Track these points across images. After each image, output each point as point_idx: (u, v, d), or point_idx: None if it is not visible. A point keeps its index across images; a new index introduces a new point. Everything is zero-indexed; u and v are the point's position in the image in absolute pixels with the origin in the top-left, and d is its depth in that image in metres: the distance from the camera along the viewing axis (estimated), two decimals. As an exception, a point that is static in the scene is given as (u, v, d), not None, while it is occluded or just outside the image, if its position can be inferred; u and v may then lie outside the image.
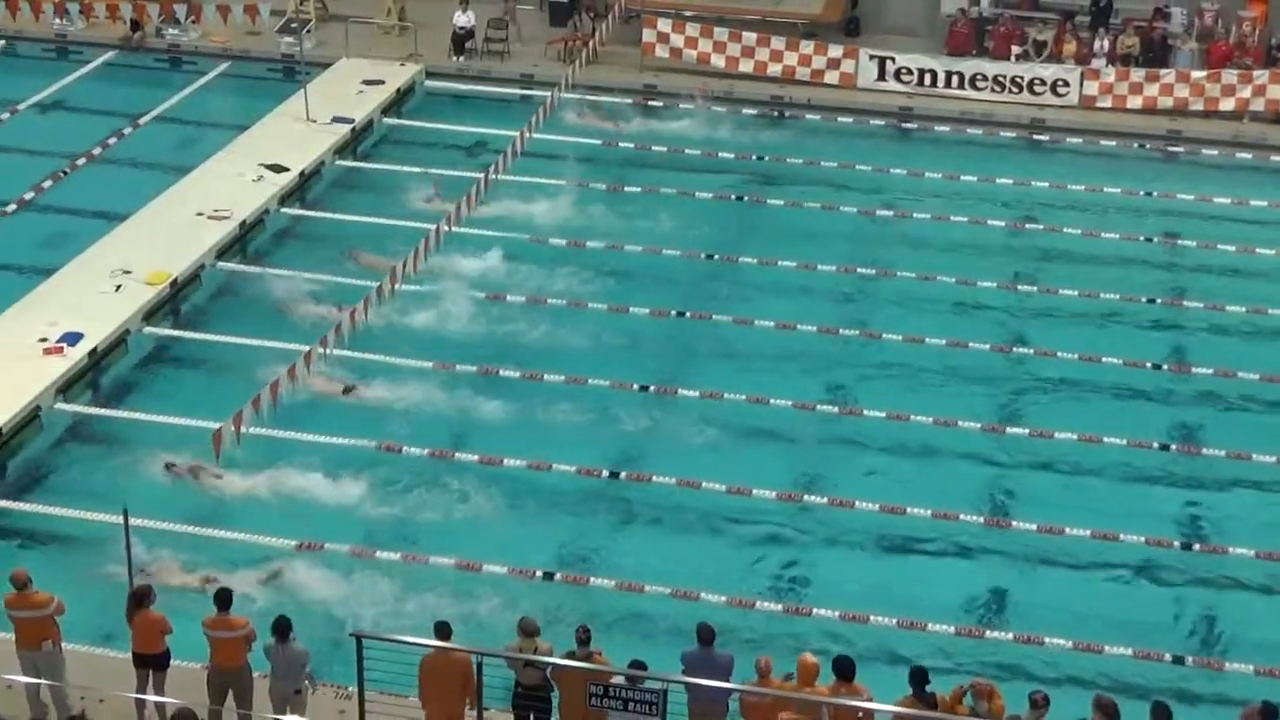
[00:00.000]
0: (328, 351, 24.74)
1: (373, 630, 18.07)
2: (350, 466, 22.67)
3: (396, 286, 26.61)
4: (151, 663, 17.44)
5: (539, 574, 20.73)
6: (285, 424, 23.55)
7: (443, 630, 16.91)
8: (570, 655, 16.86)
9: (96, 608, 19.11)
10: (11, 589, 17.37)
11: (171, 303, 27.00)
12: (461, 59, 37.33)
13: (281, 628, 16.96)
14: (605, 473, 22.94)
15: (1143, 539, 21.71)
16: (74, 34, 38.31)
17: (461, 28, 37.30)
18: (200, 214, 29.28)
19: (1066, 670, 19.41)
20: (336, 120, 33.57)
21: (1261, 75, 35.02)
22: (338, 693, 18.04)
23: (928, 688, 16.32)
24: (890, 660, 19.20)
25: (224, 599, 17.20)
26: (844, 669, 16.39)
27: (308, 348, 24.42)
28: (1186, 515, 22.70)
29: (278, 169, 31.23)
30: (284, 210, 30.41)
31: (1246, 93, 34.97)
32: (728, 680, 16.75)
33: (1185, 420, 24.84)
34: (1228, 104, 35.08)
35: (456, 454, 23.23)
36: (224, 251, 28.59)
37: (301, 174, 31.42)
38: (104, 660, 18.38)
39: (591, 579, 20.75)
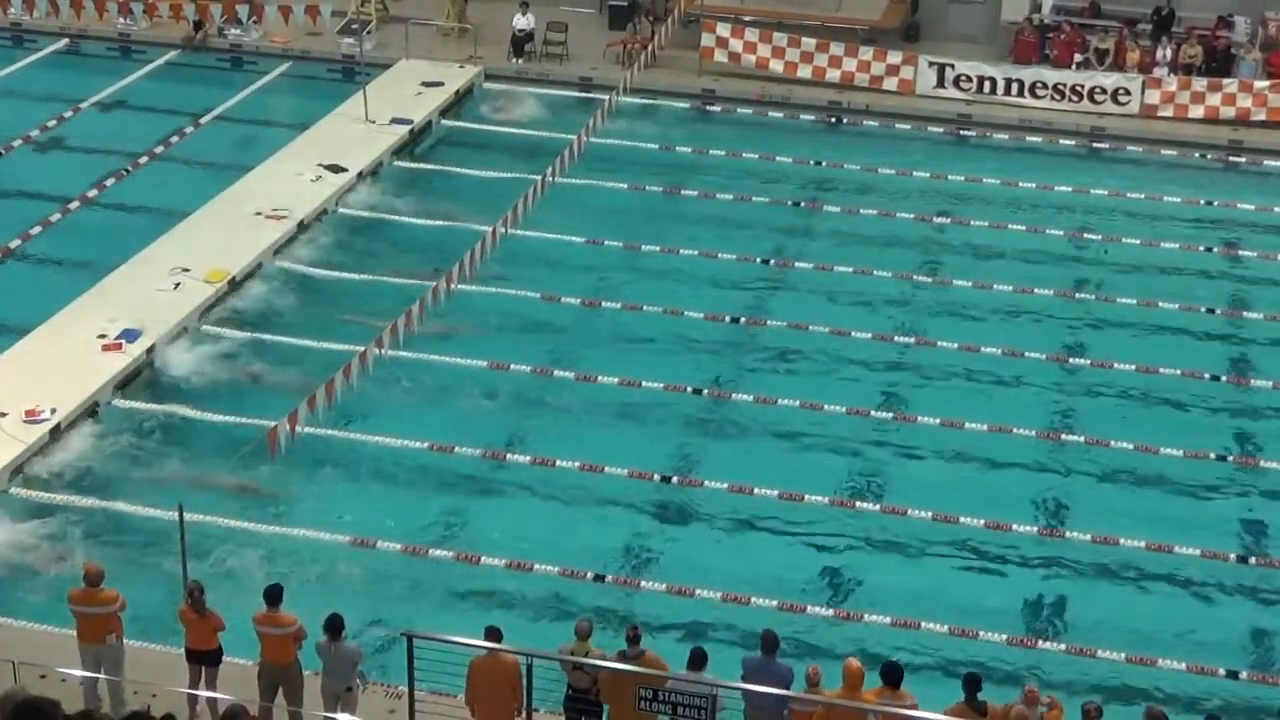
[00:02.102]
0: (383, 352, 24.81)
1: (424, 630, 18.16)
2: (402, 466, 22.73)
3: (453, 287, 26.67)
4: (204, 659, 17.55)
5: (590, 575, 20.75)
6: (340, 423, 23.72)
7: (493, 634, 16.93)
8: (620, 655, 16.89)
9: (151, 603, 19.25)
10: (82, 584, 17.51)
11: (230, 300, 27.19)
12: (521, 61, 37.41)
13: (334, 626, 17.02)
14: (657, 477, 22.94)
15: (1198, 551, 21.55)
16: (137, 33, 38.60)
17: (521, 30, 37.40)
18: (259, 213, 29.46)
19: (1119, 682, 19.28)
20: (395, 121, 33.71)
21: (1325, 86, 34.72)
22: (388, 692, 18.10)
23: (980, 695, 16.29)
24: (941, 668, 19.12)
25: (274, 595, 17.27)
26: (892, 675, 16.33)
27: (363, 348, 24.50)
28: (1243, 528, 22.51)
29: (336, 169, 31.37)
30: (341, 210, 30.55)
31: (1310, 103, 34.67)
32: (780, 702, 16.72)
33: (1243, 432, 24.64)
34: (1291, 114, 34.80)
35: (509, 455, 23.29)
36: (280, 249, 28.74)
37: (360, 174, 31.55)
38: (157, 655, 18.48)
39: (643, 582, 20.75)
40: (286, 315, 27.15)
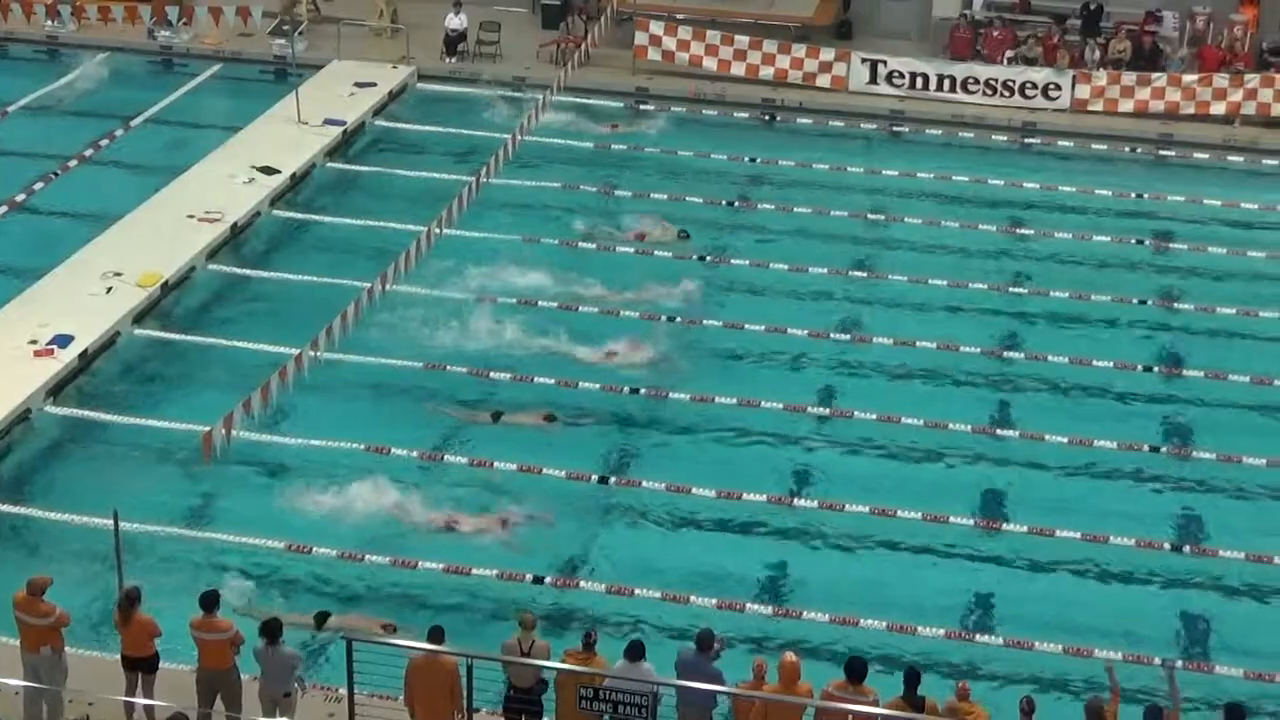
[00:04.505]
0: (319, 354, 24.71)
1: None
2: (339, 469, 22.64)
3: (387, 288, 26.58)
4: (141, 665, 17.42)
5: (529, 578, 20.71)
6: (273, 427, 23.60)
7: (434, 634, 16.92)
8: (571, 655, 16.89)
9: (86, 610, 19.09)
10: (24, 590, 17.36)
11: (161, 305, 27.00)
12: (454, 60, 37.33)
13: (271, 630, 16.94)
14: (595, 477, 22.92)
15: (1133, 542, 21.72)
16: (65, 36, 38.25)
17: (453, 30, 37.31)
18: (191, 216, 29.24)
19: (1058, 674, 19.40)
20: (328, 122, 33.55)
21: (1253, 79, 35.07)
22: (328, 695, 18.02)
23: (919, 690, 16.41)
24: (881, 664, 19.17)
25: (210, 601, 17.17)
26: (855, 670, 16.48)
27: (298, 350, 24.39)
28: (1177, 518, 22.70)
29: (269, 171, 31.20)
30: (275, 212, 30.39)
31: (1238, 96, 35.02)
32: (710, 699, 16.78)
33: (1176, 422, 24.86)
34: (1219, 108, 35.15)
35: (446, 457, 23.22)
36: (214, 253, 28.55)
37: (293, 176, 31.38)
38: (94, 663, 18.31)
39: (582, 582, 20.73)
40: (221, 318, 26.99)
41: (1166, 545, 21.90)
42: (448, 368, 25.19)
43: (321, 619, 19.53)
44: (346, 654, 16.62)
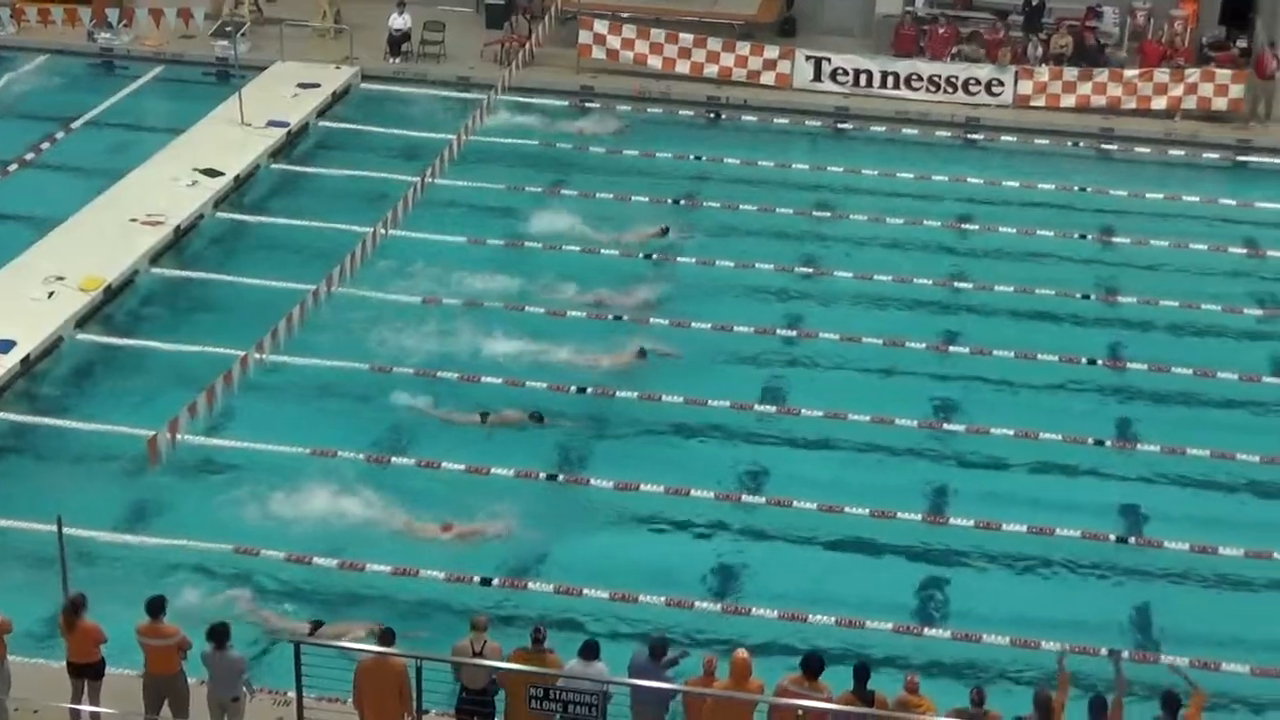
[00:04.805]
0: (264, 357, 24.61)
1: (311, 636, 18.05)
2: (286, 471, 22.55)
3: (333, 290, 26.49)
4: (87, 672, 17.30)
5: (477, 579, 20.67)
6: (219, 431, 23.49)
7: (384, 636, 16.88)
8: (521, 653, 16.88)
9: (30, 617, 18.94)
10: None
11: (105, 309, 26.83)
12: (398, 61, 37.23)
13: (218, 634, 16.85)
14: (543, 475, 22.90)
15: (1079, 533, 21.87)
16: (4, 39, 37.95)
17: (397, 30, 37.22)
18: (134, 219, 29.06)
19: (1005, 666, 19.52)
20: (272, 124, 33.40)
21: (1193, 73, 35.37)
22: (276, 699, 17.93)
23: (868, 685, 16.48)
24: (830, 658, 19.18)
25: (156, 606, 17.07)
26: (810, 666, 16.55)
27: (244, 353, 24.28)
28: (1122, 510, 22.86)
29: (213, 173, 31.03)
30: (219, 215, 30.24)
31: (1178, 91, 35.32)
32: (662, 705, 16.85)
33: (1120, 415, 25.03)
34: (1160, 102, 35.44)
35: (393, 459, 23.15)
36: (158, 257, 28.39)
37: (236, 178, 31.22)
38: (39, 670, 18.17)
39: (530, 583, 20.69)
40: (164, 322, 26.83)
41: (1112, 537, 22.04)
42: (394, 370, 25.12)
43: (315, 626, 19.28)
44: (294, 657, 16.56)
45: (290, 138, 33.45)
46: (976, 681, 17.54)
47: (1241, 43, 36.48)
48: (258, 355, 24.41)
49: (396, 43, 37.27)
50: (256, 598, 20.04)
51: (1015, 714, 16.45)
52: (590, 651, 16.73)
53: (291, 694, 17.06)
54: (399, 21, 37.20)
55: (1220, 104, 35.31)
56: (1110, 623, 20.54)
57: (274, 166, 32.50)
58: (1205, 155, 34.65)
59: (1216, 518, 22.58)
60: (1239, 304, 28.34)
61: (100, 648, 17.24)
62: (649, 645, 17.08)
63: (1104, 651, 19.44)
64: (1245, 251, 30.47)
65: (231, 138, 32.74)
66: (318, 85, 35.58)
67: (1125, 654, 19.35)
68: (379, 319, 26.52)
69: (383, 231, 28.35)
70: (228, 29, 36.81)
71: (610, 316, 27.06)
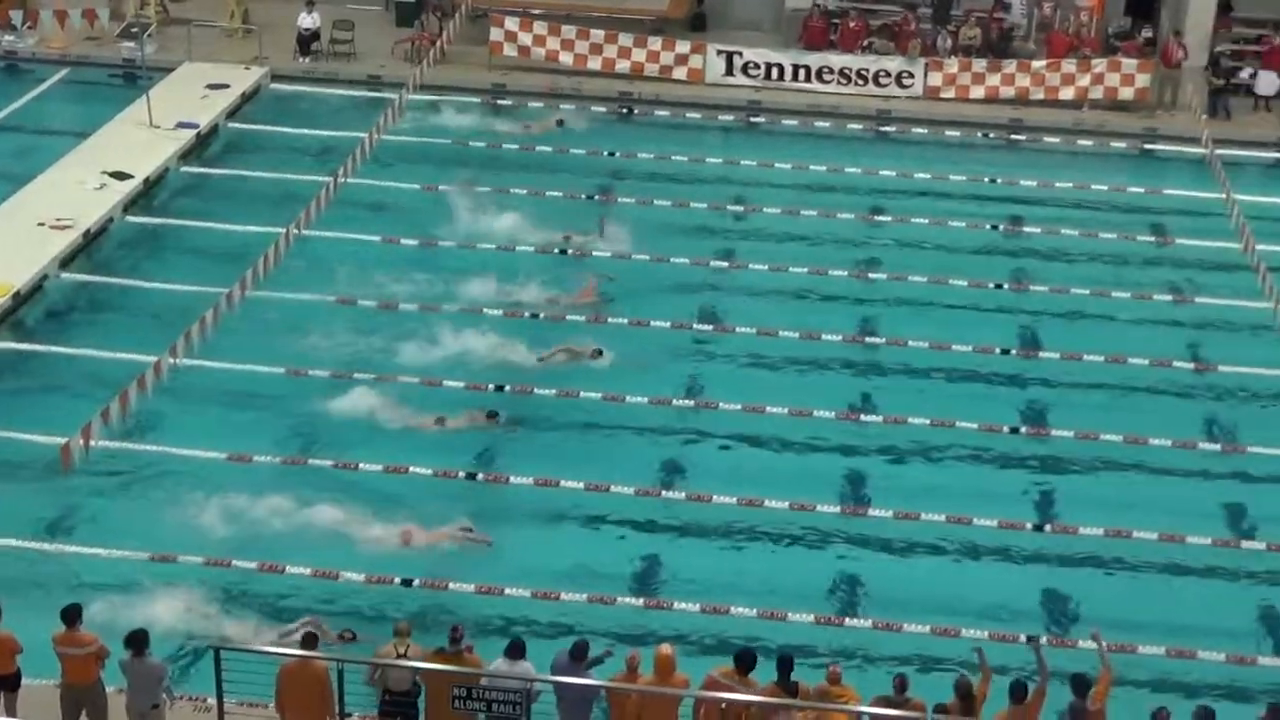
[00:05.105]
0: (178, 361, 24.40)
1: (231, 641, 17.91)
2: (202, 476, 22.37)
3: (246, 293, 26.29)
4: (2, 684, 17.09)
5: (398, 580, 20.58)
6: (133, 436, 23.28)
7: (308, 641, 16.79)
8: (439, 653, 16.84)
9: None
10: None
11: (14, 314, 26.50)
12: (307, 60, 37.00)
13: (136, 642, 16.68)
14: (462, 474, 22.83)
15: (995, 522, 22.05)
16: (-94, 43, 37.50)
17: (306, 29, 36.98)
18: (42, 224, 28.71)
19: (926, 655, 19.65)
20: (181, 125, 33.10)
21: (1099, 64, 35.76)
22: (197, 706, 17.78)
23: (792, 676, 16.58)
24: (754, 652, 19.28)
25: (72, 614, 16.88)
26: (742, 662, 16.62)
27: (157, 357, 24.05)
28: (1038, 496, 23.09)
29: (122, 176, 30.72)
30: (129, 218, 29.94)
31: (1085, 81, 35.71)
32: (586, 704, 16.85)
33: (1034, 403, 25.28)
34: (1068, 93, 35.83)
35: (311, 461, 23.01)
36: (67, 261, 28.07)
37: (146, 181, 30.93)
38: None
39: (451, 583, 20.62)
40: (76, 327, 26.55)
41: (1028, 524, 22.26)
42: (309, 372, 24.95)
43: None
44: (215, 663, 16.44)
45: (200, 139, 33.15)
46: (898, 670, 17.63)
47: (1146, 32, 36.91)
48: (171, 359, 24.20)
49: (306, 42, 37.03)
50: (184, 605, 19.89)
51: (937, 701, 16.58)
52: (516, 650, 16.71)
53: (212, 700, 16.93)
54: (308, 21, 36.97)
55: (1127, 93, 35.72)
56: (1028, 608, 20.76)
57: (184, 169, 32.20)
58: (1113, 144, 35.06)
59: (1130, 502, 22.83)
60: (1149, 290, 28.67)
61: (15, 658, 17.05)
62: (572, 647, 17.06)
63: (1023, 638, 19.62)
64: (1154, 239, 30.84)
65: (140, 140, 32.42)
66: (227, 86, 35.28)
67: (1044, 640, 19.54)
68: (293, 321, 26.33)
69: (296, 232, 28.16)
70: (134, 30, 36.44)
71: (527, 314, 27.01)
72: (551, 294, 27.62)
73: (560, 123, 30.28)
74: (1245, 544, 22.00)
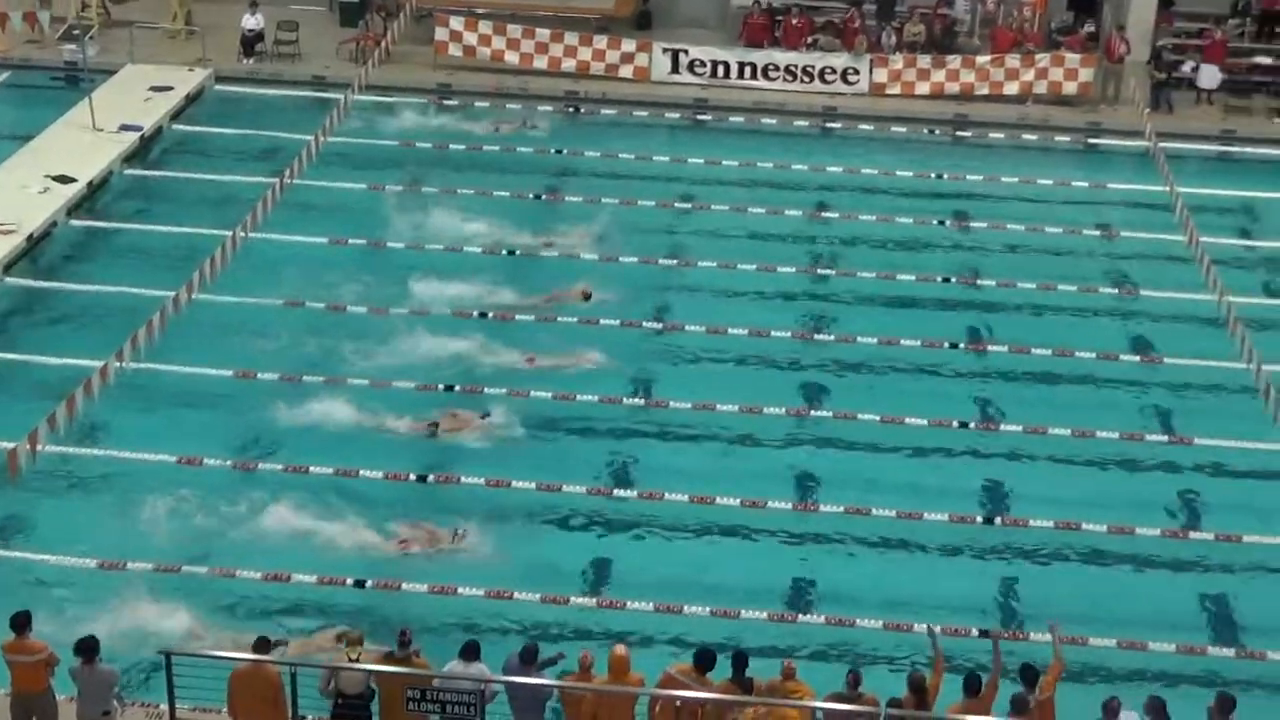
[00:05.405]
0: (125, 365, 24.24)
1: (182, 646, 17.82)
2: (151, 480, 22.23)
3: (193, 296, 26.14)
4: (-49, 693, 17.00)
5: (350, 581, 20.51)
6: (80, 441, 23.11)
7: (260, 645, 16.72)
8: (389, 656, 16.78)
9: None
10: None
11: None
12: (252, 62, 36.82)
13: (86, 649, 16.56)
14: (413, 476, 22.76)
15: (946, 516, 22.16)
16: None
17: (250, 30, 36.79)
18: (-16, 228, 28.57)
19: (877, 650, 19.74)
20: (124, 128, 32.87)
21: (1043, 58, 35.96)
22: (148, 712, 17.68)
23: (746, 672, 16.62)
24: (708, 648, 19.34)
25: (20, 622, 16.75)
26: (703, 660, 16.63)
27: (104, 362, 23.89)
28: (988, 490, 23.20)
29: (65, 180, 30.48)
30: (73, 222, 29.73)
31: (1029, 76, 35.90)
32: (539, 703, 16.85)
33: (983, 397, 25.40)
34: (1012, 87, 36.01)
35: (260, 464, 22.90)
36: (10, 266, 27.84)
37: (90, 184, 30.71)
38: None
39: (404, 584, 20.56)
40: (20, 332, 26.34)
41: (979, 518, 22.37)
42: (258, 375, 24.83)
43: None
44: (166, 668, 16.35)
45: (144, 142, 32.95)
46: (853, 665, 17.69)
47: (1089, 27, 37.14)
48: (118, 364, 24.03)
49: (250, 43, 36.84)
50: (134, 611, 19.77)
51: (891, 695, 16.63)
52: (470, 652, 16.69)
53: (164, 706, 16.84)
54: (252, 21, 36.78)
55: (1070, 88, 35.93)
56: (980, 602, 20.86)
57: (128, 171, 32.00)
58: (1057, 139, 35.27)
59: (1079, 495, 22.99)
60: (1095, 284, 28.86)
61: (-35, 667, 16.93)
62: (522, 649, 17.04)
63: (975, 632, 19.72)
64: (1099, 232, 31.05)
65: (83, 143, 32.18)
66: (171, 88, 35.07)
67: (993, 631, 19.64)
68: (241, 323, 26.21)
69: (242, 235, 28.01)
70: (75, 32, 36.17)
71: (475, 314, 26.94)
72: (499, 293, 27.55)
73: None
74: (1193, 534, 22.17)
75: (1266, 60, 36.52)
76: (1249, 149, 35.04)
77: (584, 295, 26.79)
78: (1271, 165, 34.41)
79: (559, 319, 26.76)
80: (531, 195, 31.55)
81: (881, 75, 36.18)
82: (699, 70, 36.51)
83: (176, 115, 34.43)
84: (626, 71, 36.59)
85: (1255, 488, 23.37)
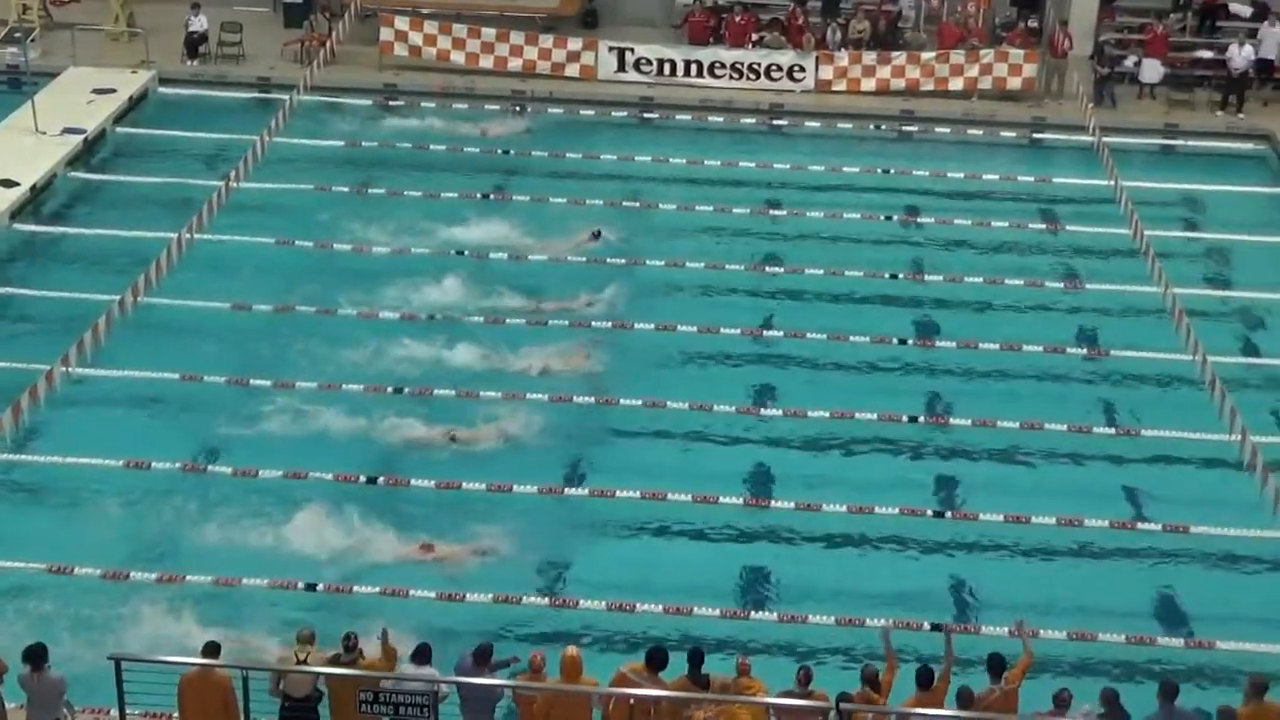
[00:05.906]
0: (70, 370, 24.05)
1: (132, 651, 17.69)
2: (99, 485, 22.07)
3: (139, 299, 25.96)
4: (-102, 703, 16.82)
5: (301, 585, 20.41)
6: (26, 447, 22.95)
7: (210, 651, 16.62)
8: (335, 659, 16.72)
9: None
10: None
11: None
12: (195, 63, 36.60)
13: (35, 656, 16.43)
14: (363, 479, 22.67)
15: (897, 510, 22.23)
16: None
17: (194, 31, 36.58)
18: (-73, 233, 28.34)
19: (831, 645, 19.77)
20: (67, 131, 32.62)
21: (988, 54, 36.11)
22: (98, 718, 17.55)
23: (703, 669, 16.64)
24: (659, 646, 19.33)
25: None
26: (654, 660, 16.62)
27: (49, 366, 23.70)
28: (938, 484, 23.29)
29: (8, 184, 30.24)
30: (16, 226, 29.50)
31: (974, 72, 36.03)
32: (490, 706, 16.83)
33: (931, 392, 25.49)
34: (957, 83, 36.13)
35: (210, 467, 22.77)
36: (-45, 270, 27.71)
37: (33, 188, 30.47)
38: None
39: (356, 586, 20.47)
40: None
41: (929, 511, 22.46)
42: (205, 378, 24.69)
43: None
44: (116, 675, 16.23)
45: (87, 145, 32.73)
46: (806, 661, 17.73)
47: (1031, 22, 37.32)
48: (64, 368, 23.84)
49: (194, 44, 36.64)
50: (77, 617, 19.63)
51: (842, 691, 16.67)
52: (422, 655, 16.65)
53: (114, 712, 16.71)
54: (195, 23, 36.58)
55: (1015, 83, 36.09)
56: (931, 596, 20.92)
57: (72, 175, 31.78)
58: (1002, 134, 35.45)
59: (1028, 487, 23.12)
60: (1042, 278, 29.02)
61: (-89, 677, 16.75)
62: (476, 650, 16.99)
63: (927, 626, 19.79)
64: (1044, 226, 31.21)
65: (26, 147, 31.94)
66: (114, 90, 34.83)
67: (951, 626, 19.71)
68: (187, 327, 26.05)
69: (188, 237, 27.84)
70: (16, 35, 35.88)
71: (424, 316, 26.87)
72: (448, 294, 27.48)
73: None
74: (1141, 525, 22.31)
75: (1208, 54, 36.76)
76: (1192, 142, 35.30)
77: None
78: (1214, 158, 34.71)
79: (507, 321, 26.70)
80: (479, 195, 31.46)
81: (827, 72, 36.26)
82: (645, 69, 36.50)
83: (120, 118, 34.22)
84: (573, 70, 36.56)
85: (1201, 478, 23.52)
